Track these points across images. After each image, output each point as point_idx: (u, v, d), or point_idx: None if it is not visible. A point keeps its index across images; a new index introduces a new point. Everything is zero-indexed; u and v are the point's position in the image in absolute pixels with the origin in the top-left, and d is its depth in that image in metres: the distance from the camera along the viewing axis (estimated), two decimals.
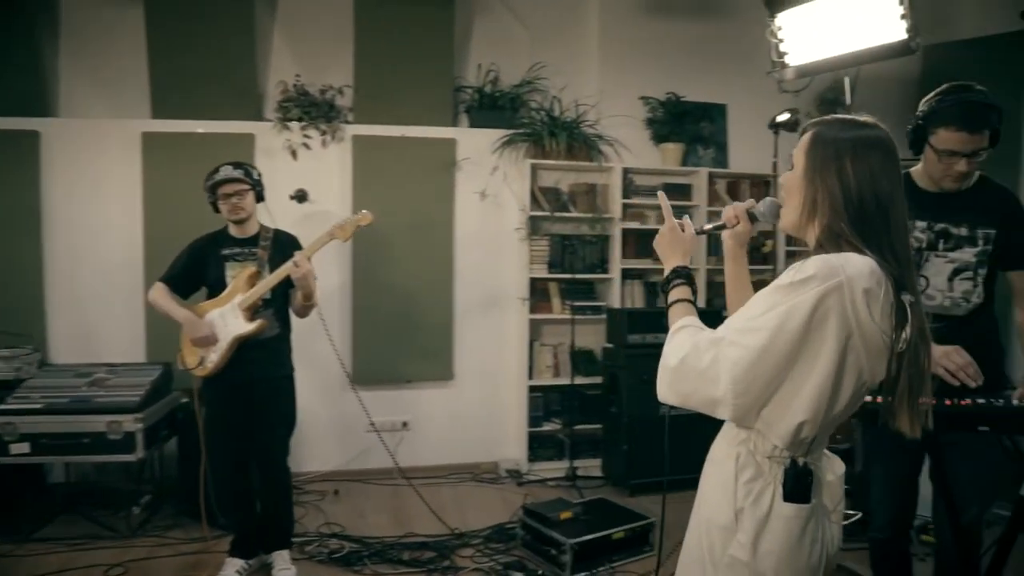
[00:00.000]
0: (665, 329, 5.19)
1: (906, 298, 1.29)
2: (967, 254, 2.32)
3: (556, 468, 4.82)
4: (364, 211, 3.21)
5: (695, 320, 1.40)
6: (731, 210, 1.58)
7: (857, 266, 1.26)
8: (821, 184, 1.36)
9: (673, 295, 1.49)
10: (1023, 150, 5.34)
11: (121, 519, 3.79)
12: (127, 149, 4.44)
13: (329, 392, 4.62)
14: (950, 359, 2.08)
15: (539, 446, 4.88)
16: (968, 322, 2.34)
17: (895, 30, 3.64)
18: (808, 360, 1.27)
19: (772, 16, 4.00)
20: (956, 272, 2.34)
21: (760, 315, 1.27)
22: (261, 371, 3.20)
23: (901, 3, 3.57)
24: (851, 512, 1.50)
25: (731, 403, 1.28)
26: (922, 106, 2.26)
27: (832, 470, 1.47)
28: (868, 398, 1.41)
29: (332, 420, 4.67)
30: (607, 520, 3.63)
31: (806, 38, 3.97)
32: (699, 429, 4.49)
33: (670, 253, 1.56)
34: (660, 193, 1.75)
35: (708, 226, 1.67)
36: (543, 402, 4.95)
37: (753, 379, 1.26)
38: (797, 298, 1.25)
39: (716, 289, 5.30)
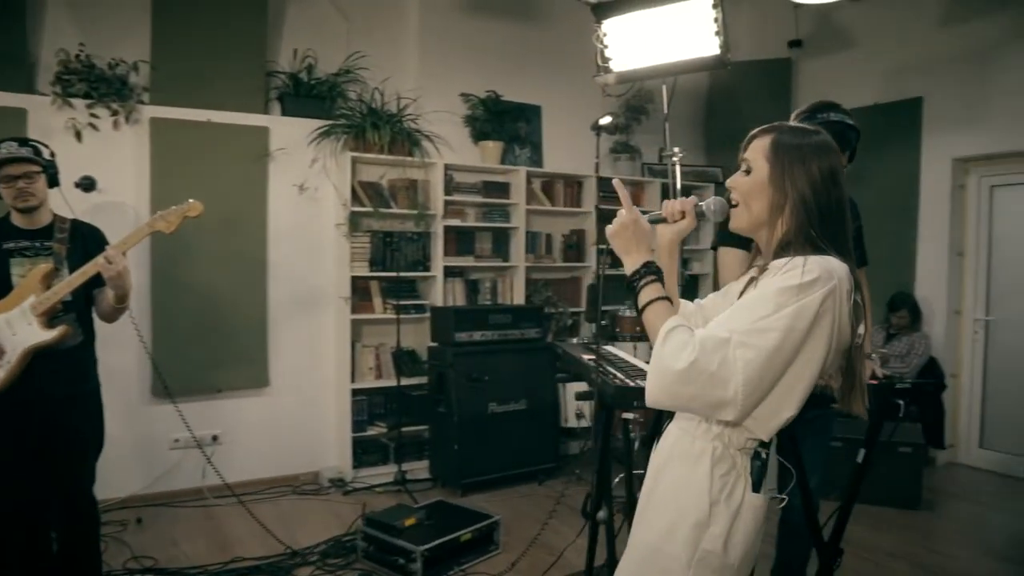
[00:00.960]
0: (491, 327, 5.15)
1: (857, 296, 1.37)
2: None
3: (383, 473, 4.64)
4: (192, 200, 2.83)
5: (681, 319, 1.36)
6: (677, 204, 1.54)
7: (840, 268, 1.33)
8: (792, 188, 1.40)
9: (648, 293, 1.42)
10: None
11: None
12: None
13: (124, 407, 4.04)
14: None
15: (364, 451, 4.66)
16: None
17: (710, 45, 3.95)
18: (805, 359, 1.30)
19: (598, 22, 4.14)
20: None
21: (769, 315, 1.27)
22: (63, 387, 2.70)
23: (716, 21, 3.87)
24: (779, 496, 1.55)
25: (740, 404, 1.27)
26: (794, 121, 2.43)
27: None
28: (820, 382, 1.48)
29: (128, 439, 4.10)
30: (452, 523, 3.55)
31: (629, 46, 4.17)
32: (524, 425, 4.64)
33: (633, 247, 1.47)
34: (616, 181, 1.64)
35: (652, 215, 1.61)
36: (367, 405, 4.74)
37: (762, 379, 1.27)
38: (805, 299, 1.27)
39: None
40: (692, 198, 1.56)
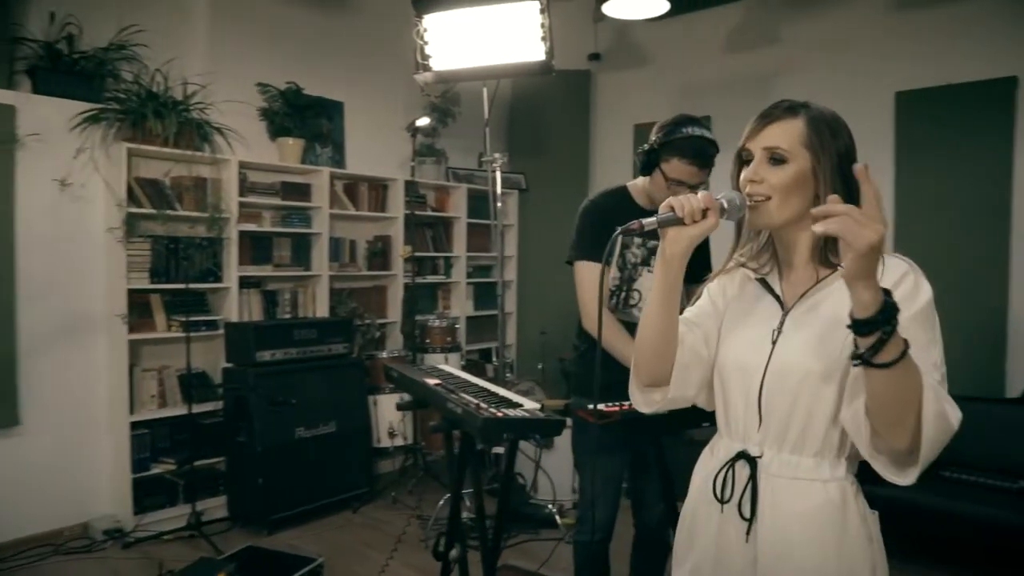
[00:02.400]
0: (296, 343, 4.67)
1: None
2: None
3: (172, 517, 3.98)
4: None
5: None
6: (695, 201, 1.24)
7: None
8: (834, 176, 1.26)
9: (900, 341, 1.03)
10: (589, 175, 6.24)
11: None
12: None
13: None
14: None
15: (147, 493, 3.98)
16: None
17: (535, 50, 3.86)
18: None
19: (419, 16, 3.89)
20: None
21: (938, 341, 1.19)
22: None
23: (543, 26, 3.79)
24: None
25: None
26: (658, 132, 2.37)
27: None
28: None
29: None
30: (269, 572, 3.11)
31: (451, 44, 3.96)
32: (335, 449, 4.25)
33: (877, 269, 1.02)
34: (859, 167, 1.06)
35: (651, 220, 1.27)
36: (150, 439, 4.05)
37: None
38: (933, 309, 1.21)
39: None
40: (707, 192, 1.29)
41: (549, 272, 6.14)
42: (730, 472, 1.32)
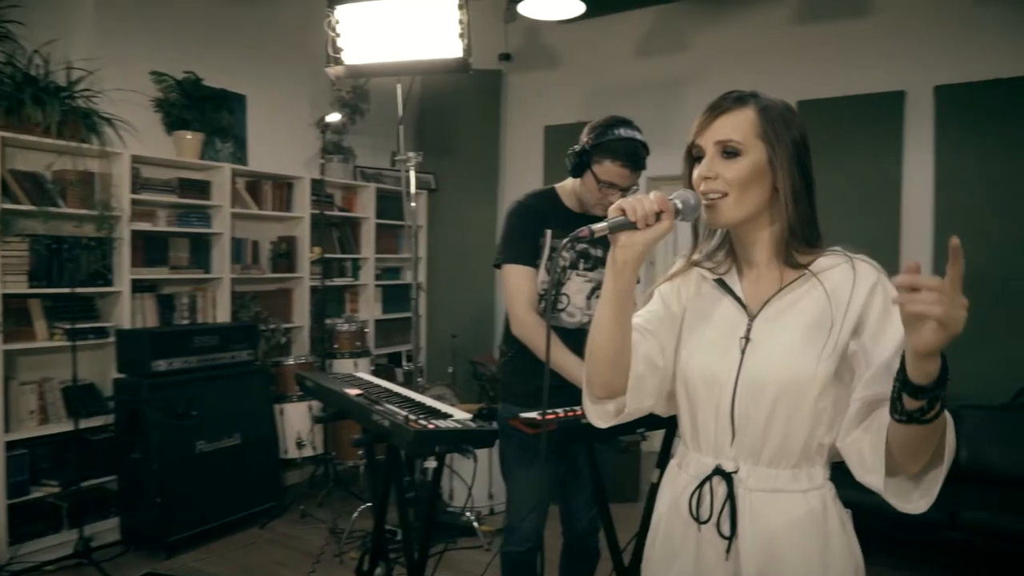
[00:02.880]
0: (196, 351, 4.42)
1: None
2: (604, 274, 2.47)
3: (56, 544, 3.62)
4: None
5: None
6: (648, 203, 1.17)
7: None
8: (793, 165, 1.23)
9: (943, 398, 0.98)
10: (499, 176, 6.19)
11: None
12: None
13: None
14: None
15: (24, 521, 3.61)
16: None
17: (453, 47, 3.76)
18: None
19: (331, 7, 3.71)
20: (594, 291, 2.47)
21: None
22: None
23: (461, 23, 3.70)
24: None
25: None
26: (589, 134, 2.32)
27: None
28: None
29: None
30: None
31: (365, 38, 3.80)
32: (239, 462, 4.01)
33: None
34: (955, 242, 0.88)
35: (601, 226, 1.19)
36: (29, 460, 3.66)
37: None
38: None
39: None
40: (660, 194, 1.21)
41: (459, 274, 6.06)
42: (707, 489, 1.26)
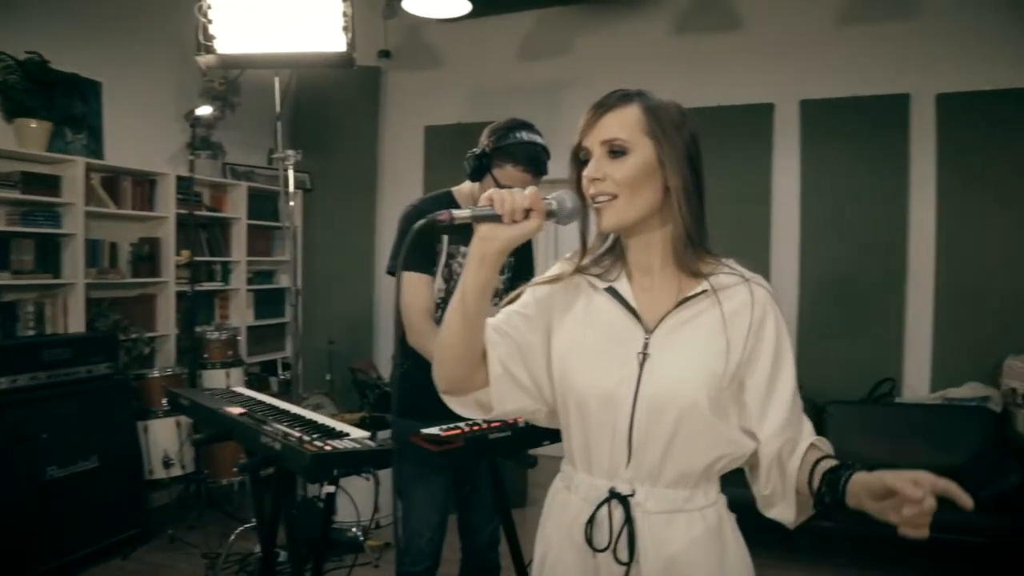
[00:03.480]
0: (45, 365, 4.04)
1: None
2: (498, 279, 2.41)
3: None
4: None
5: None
6: (518, 199, 1.12)
7: None
8: (684, 165, 1.19)
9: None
10: (378, 176, 6.01)
11: None
12: None
13: None
14: None
15: None
16: None
17: (336, 41, 3.58)
18: None
19: None
20: (493, 298, 2.39)
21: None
22: None
23: (345, 16, 3.53)
24: None
25: None
26: (490, 137, 2.25)
27: None
28: None
29: None
30: None
31: (240, 26, 3.55)
32: (98, 487, 3.64)
33: None
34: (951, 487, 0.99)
35: (464, 213, 1.14)
36: None
37: None
38: None
39: None
40: (535, 190, 1.16)
41: (335, 277, 5.83)
42: (603, 514, 1.19)
